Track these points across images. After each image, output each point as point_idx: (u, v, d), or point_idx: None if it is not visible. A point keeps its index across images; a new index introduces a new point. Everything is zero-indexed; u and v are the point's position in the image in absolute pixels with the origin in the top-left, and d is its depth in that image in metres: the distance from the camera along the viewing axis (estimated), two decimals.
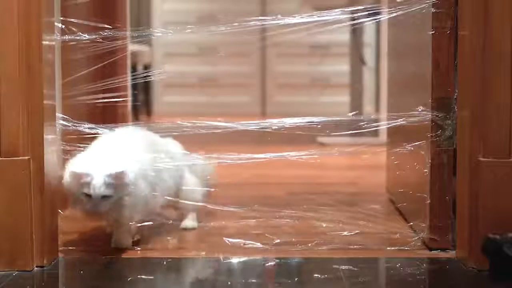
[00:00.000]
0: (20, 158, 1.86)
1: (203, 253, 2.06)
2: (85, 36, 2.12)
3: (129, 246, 2.09)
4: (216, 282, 1.86)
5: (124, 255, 2.04)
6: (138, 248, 2.10)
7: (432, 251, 2.05)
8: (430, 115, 2.05)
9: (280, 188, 2.96)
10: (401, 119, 2.14)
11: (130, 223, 2.10)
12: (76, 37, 2.11)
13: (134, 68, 4.12)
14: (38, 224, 1.88)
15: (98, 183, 1.94)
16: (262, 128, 2.16)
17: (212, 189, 2.36)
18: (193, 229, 2.31)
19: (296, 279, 1.84)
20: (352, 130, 2.17)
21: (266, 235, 2.18)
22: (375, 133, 3.69)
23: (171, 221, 2.31)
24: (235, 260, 2.00)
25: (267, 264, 1.96)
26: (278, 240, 2.15)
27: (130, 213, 2.05)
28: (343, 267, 1.91)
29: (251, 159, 2.15)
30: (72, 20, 2.12)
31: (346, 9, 2.17)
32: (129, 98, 2.78)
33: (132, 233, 2.12)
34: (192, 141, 2.22)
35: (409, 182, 2.32)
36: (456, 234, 1.99)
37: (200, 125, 2.13)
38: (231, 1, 5.95)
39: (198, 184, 2.30)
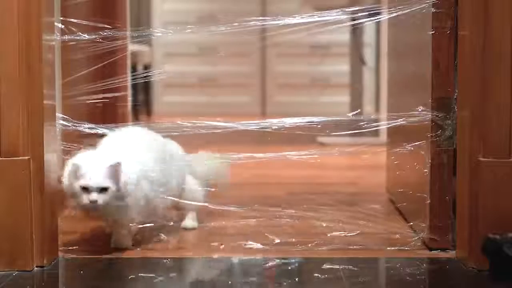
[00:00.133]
0: (20, 158, 1.86)
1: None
2: (85, 36, 2.12)
3: (129, 246, 2.09)
4: (216, 282, 1.86)
5: (124, 255, 2.04)
6: (138, 248, 2.10)
7: (432, 251, 2.05)
8: (430, 115, 2.05)
9: (280, 188, 2.96)
10: (401, 119, 2.14)
11: (131, 224, 2.10)
12: (76, 37, 2.11)
13: (134, 68, 4.12)
14: (38, 224, 1.88)
15: (94, 174, 1.95)
16: (262, 128, 2.16)
17: (213, 189, 2.36)
18: (193, 229, 2.30)
19: (296, 279, 1.84)
20: (352, 130, 2.17)
21: (266, 234, 2.19)
22: (375, 133, 3.69)
23: (171, 223, 2.31)
24: (235, 260, 2.00)
25: (267, 264, 1.96)
26: (278, 240, 2.15)
27: (131, 213, 2.05)
28: (343, 267, 1.91)
29: (251, 159, 2.15)
30: (72, 20, 2.12)
31: (346, 9, 2.18)
32: (129, 98, 2.78)
33: (132, 233, 2.12)
34: (192, 141, 2.22)
35: (409, 182, 2.32)
36: (456, 234, 1.99)
37: (200, 125, 2.13)
38: (231, 1, 5.95)
39: (198, 184, 2.30)
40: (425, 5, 2.05)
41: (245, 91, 6.34)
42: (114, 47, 2.16)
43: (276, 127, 2.14)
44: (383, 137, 3.10)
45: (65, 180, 2.00)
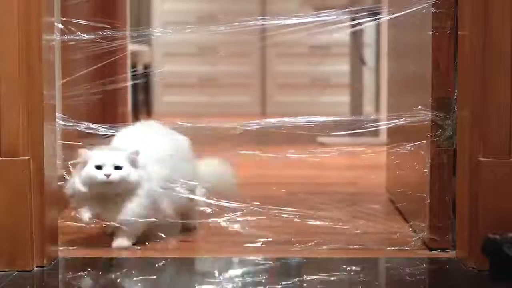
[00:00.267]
0: (20, 158, 1.86)
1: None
2: (84, 36, 2.12)
3: (129, 246, 2.09)
4: (217, 281, 1.86)
5: (124, 255, 2.04)
6: (138, 248, 2.10)
7: (432, 251, 2.05)
8: (430, 115, 2.05)
9: (280, 188, 2.96)
10: (401, 119, 2.14)
11: (131, 223, 2.09)
12: (75, 37, 2.11)
13: (134, 68, 4.11)
14: (38, 224, 1.88)
15: (110, 154, 2.02)
16: (262, 128, 2.16)
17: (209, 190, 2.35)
18: (194, 228, 2.30)
19: (296, 279, 1.84)
20: (352, 130, 2.17)
21: (266, 234, 2.18)
22: (375, 133, 3.69)
23: (172, 221, 2.30)
24: (235, 259, 2.00)
25: (267, 264, 1.96)
26: (278, 240, 2.15)
27: (138, 210, 2.05)
28: (343, 267, 1.91)
29: (251, 158, 2.15)
30: (72, 20, 2.12)
31: (346, 10, 2.18)
32: (129, 98, 2.78)
33: (132, 233, 2.12)
34: (192, 141, 2.22)
35: (409, 182, 2.32)
36: (456, 234, 1.99)
37: (200, 125, 2.13)
38: (231, 1, 5.95)
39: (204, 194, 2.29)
40: (425, 5, 2.05)
41: (245, 91, 6.34)
42: (114, 47, 2.16)
43: (276, 127, 2.14)
44: (383, 137, 3.10)
45: (70, 185, 2.02)
